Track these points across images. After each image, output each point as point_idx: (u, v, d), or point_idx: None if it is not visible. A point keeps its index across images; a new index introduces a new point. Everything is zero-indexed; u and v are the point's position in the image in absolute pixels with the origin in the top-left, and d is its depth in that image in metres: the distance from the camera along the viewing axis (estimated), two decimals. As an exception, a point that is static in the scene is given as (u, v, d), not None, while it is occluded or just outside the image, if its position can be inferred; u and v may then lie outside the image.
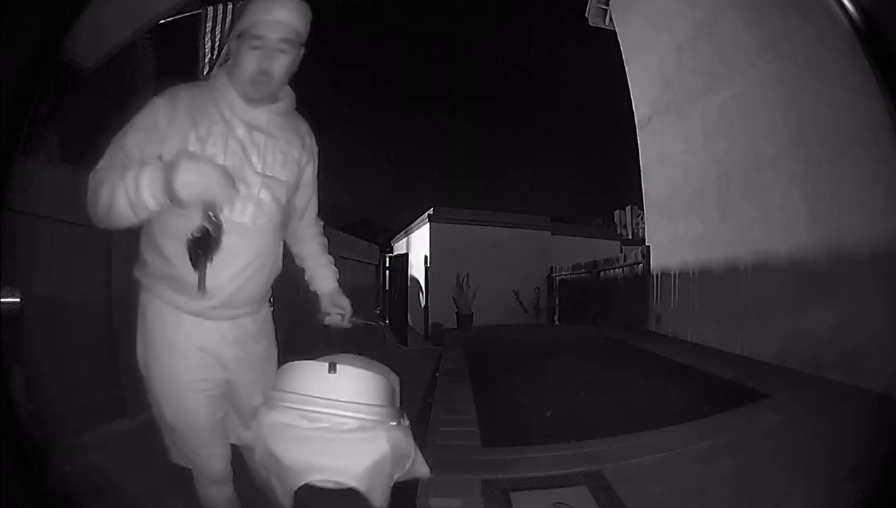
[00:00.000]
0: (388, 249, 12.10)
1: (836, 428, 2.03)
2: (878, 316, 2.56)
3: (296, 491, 1.06)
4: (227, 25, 3.05)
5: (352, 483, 1.04)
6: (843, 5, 0.74)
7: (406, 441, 1.15)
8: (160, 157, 1.03)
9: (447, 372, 3.75)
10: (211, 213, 0.97)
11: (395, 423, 1.14)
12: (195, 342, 1.15)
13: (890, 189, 2.53)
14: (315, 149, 1.32)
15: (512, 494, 1.61)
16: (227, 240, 1.06)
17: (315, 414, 1.08)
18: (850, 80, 2.71)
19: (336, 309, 1.36)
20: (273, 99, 1.19)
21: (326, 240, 1.43)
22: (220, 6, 3.02)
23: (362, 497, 1.06)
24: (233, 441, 1.29)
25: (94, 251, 2.23)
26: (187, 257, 1.02)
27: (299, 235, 1.37)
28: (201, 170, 0.98)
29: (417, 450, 1.24)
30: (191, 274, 1.08)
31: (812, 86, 3.23)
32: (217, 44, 3.03)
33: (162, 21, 2.66)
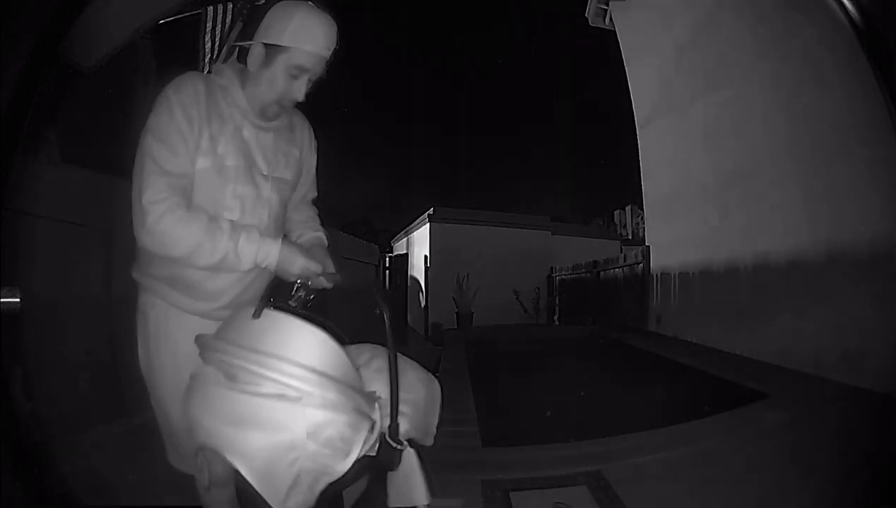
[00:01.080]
0: (388, 249, 12.10)
1: (836, 428, 2.03)
2: (877, 316, 2.56)
3: (196, 456, 0.83)
4: (227, 25, 3.06)
5: (238, 464, 0.75)
6: (843, 5, 0.74)
7: (341, 445, 0.79)
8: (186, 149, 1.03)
9: (447, 372, 3.75)
10: (308, 283, 1.05)
11: (335, 406, 0.79)
12: None
13: (889, 189, 2.53)
14: (314, 144, 1.32)
15: (512, 494, 1.61)
16: None
17: (229, 365, 0.81)
18: (849, 80, 2.71)
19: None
20: None
21: (319, 221, 1.39)
22: (220, 6, 3.03)
23: (255, 494, 0.76)
24: None
25: (94, 251, 2.23)
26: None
27: (293, 211, 1.34)
28: (312, 257, 1.06)
29: (421, 470, 0.99)
30: (196, 275, 1.09)
31: (811, 87, 3.23)
32: (217, 44, 3.03)
33: (162, 21, 2.66)
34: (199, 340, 0.89)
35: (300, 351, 0.82)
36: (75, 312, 2.10)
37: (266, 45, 1.04)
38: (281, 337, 0.83)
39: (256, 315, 0.85)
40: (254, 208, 1.11)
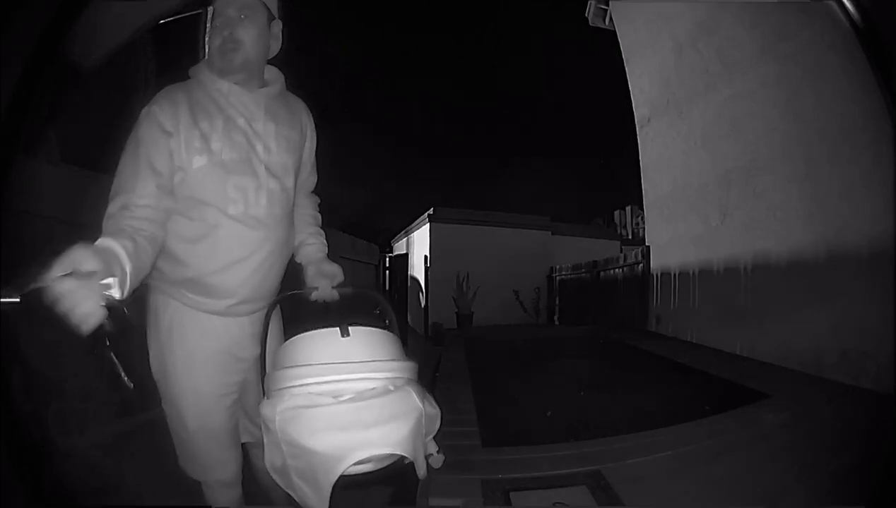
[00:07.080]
0: (388, 249, 12.09)
1: (836, 428, 2.03)
2: (878, 316, 2.56)
3: (335, 484, 0.88)
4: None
5: (398, 450, 0.89)
6: (843, 5, 0.74)
7: (430, 400, 1.02)
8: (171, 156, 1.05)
9: (447, 372, 3.75)
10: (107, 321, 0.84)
11: (416, 380, 1.02)
12: (218, 345, 1.14)
13: (889, 188, 2.53)
14: (312, 126, 1.31)
15: (512, 494, 1.61)
16: (246, 234, 1.09)
17: (338, 385, 0.92)
18: (850, 79, 2.71)
19: (324, 279, 1.22)
20: (262, 82, 1.19)
21: (320, 216, 1.39)
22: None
23: (408, 467, 0.92)
24: (244, 440, 1.28)
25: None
26: (204, 259, 1.07)
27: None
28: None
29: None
30: (211, 275, 1.09)
31: (812, 86, 3.23)
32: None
33: (162, 21, 2.66)
34: (282, 377, 0.96)
35: (393, 351, 1.01)
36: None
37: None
38: (373, 345, 0.99)
39: (345, 334, 0.97)
40: (256, 197, 1.11)
